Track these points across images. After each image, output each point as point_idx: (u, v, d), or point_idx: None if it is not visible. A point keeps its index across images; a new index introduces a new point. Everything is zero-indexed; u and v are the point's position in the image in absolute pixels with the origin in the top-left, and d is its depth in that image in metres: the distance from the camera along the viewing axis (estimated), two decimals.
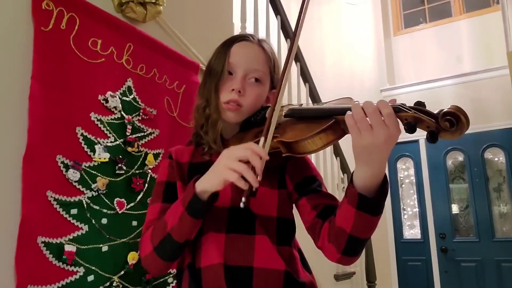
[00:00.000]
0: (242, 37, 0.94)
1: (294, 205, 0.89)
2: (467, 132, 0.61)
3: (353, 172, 0.70)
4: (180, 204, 0.77)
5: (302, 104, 0.92)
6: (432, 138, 0.60)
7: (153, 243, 0.80)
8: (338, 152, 3.28)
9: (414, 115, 0.61)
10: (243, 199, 0.68)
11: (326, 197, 0.84)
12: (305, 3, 0.80)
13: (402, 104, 0.64)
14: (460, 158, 4.48)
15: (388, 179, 0.70)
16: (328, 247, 0.77)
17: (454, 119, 0.59)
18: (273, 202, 0.85)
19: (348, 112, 0.65)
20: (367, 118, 0.63)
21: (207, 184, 0.75)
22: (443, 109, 0.60)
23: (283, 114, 0.82)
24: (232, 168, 0.69)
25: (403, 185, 4.77)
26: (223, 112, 0.88)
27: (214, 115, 0.88)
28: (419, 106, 0.62)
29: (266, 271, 0.79)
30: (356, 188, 0.69)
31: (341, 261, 0.77)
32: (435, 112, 0.61)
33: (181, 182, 0.90)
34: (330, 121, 0.70)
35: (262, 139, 0.73)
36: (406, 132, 0.62)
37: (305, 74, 2.96)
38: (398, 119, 0.63)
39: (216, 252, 0.80)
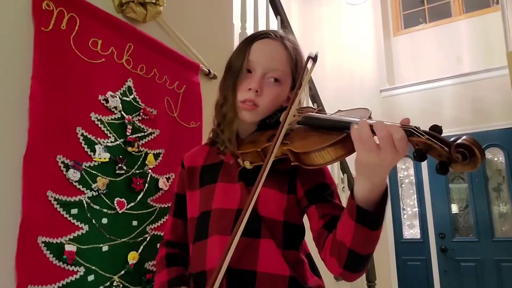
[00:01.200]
0: (265, 34, 0.90)
1: (304, 212, 0.86)
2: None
3: (353, 185, 0.69)
4: None
5: (320, 109, 0.88)
6: (442, 169, 0.55)
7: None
8: None
9: (426, 142, 0.57)
10: None
11: (335, 207, 0.81)
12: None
13: (416, 127, 0.59)
14: None
15: (388, 189, 0.68)
16: (330, 261, 0.74)
17: (468, 152, 0.54)
18: (281, 206, 0.82)
19: (355, 127, 0.62)
20: (377, 140, 0.60)
21: None
22: (458, 138, 0.55)
23: (297, 120, 0.78)
24: None
25: (402, 185, 4.77)
26: (239, 111, 0.86)
27: (230, 113, 0.86)
28: (434, 131, 0.58)
29: (270, 276, 0.78)
30: (355, 200, 0.66)
31: (344, 276, 0.75)
32: (450, 140, 0.56)
33: (190, 189, 0.92)
34: (341, 135, 0.66)
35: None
36: (414, 160, 0.58)
37: None
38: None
39: (221, 254, 0.77)
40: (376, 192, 0.66)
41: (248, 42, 0.89)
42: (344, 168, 3.38)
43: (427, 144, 0.57)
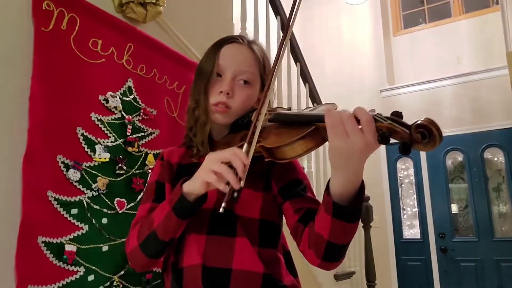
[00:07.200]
0: (232, 39, 0.94)
1: (281, 209, 0.88)
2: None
3: (329, 179, 0.69)
4: (167, 203, 0.78)
5: (290, 108, 0.91)
6: (404, 149, 0.59)
7: (139, 240, 0.81)
8: None
9: (388, 126, 0.60)
10: (223, 203, 0.66)
11: (309, 201, 0.83)
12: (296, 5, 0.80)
13: (378, 114, 0.63)
14: (460, 158, 4.48)
15: (365, 185, 0.69)
16: (308, 253, 0.77)
17: (427, 131, 0.58)
18: (257, 204, 0.84)
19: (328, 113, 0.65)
20: (344, 125, 0.62)
21: (191, 186, 0.75)
22: (417, 121, 0.59)
23: (268, 118, 0.81)
24: (213, 169, 0.69)
25: (402, 185, 4.77)
26: (211, 114, 0.88)
27: (202, 117, 0.88)
28: (396, 116, 0.61)
29: (244, 273, 0.79)
30: (331, 195, 0.68)
31: (322, 266, 0.77)
32: (410, 123, 0.59)
33: (170, 183, 0.91)
34: (310, 128, 0.70)
35: (245, 145, 0.72)
36: (379, 143, 0.61)
37: (305, 75, 2.96)
38: None
39: (196, 253, 0.80)
40: (352, 186, 0.67)
41: (217, 47, 0.92)
42: None
43: (389, 128, 0.61)
